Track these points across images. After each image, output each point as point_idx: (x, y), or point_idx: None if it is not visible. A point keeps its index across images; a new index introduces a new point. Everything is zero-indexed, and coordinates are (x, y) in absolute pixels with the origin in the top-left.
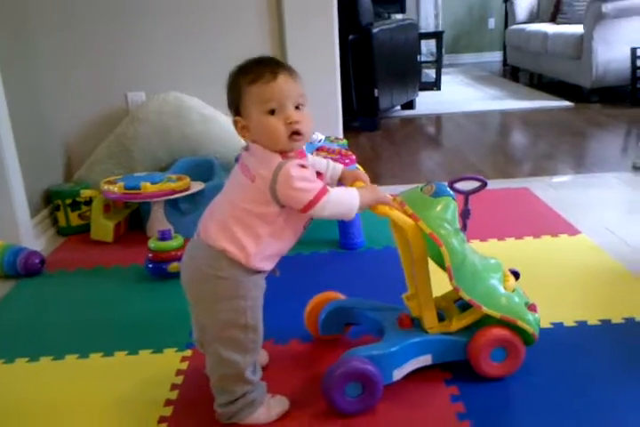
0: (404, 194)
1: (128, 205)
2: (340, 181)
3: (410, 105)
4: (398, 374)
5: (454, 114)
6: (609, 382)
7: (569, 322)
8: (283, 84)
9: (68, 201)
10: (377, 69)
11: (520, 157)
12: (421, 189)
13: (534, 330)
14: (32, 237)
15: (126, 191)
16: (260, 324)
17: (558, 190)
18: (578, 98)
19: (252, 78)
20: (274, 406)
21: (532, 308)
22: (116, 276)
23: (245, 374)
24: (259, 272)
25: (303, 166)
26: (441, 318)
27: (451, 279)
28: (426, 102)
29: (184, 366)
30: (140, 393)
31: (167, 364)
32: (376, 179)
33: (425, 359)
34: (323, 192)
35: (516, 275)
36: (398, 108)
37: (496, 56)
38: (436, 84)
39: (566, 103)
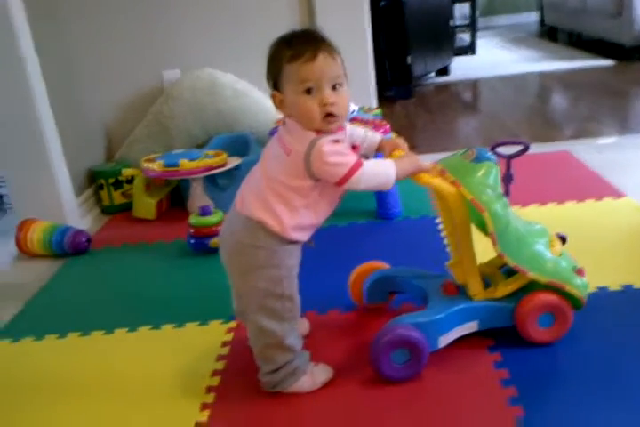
0: (445, 160)
1: (168, 183)
2: (379, 151)
3: (444, 71)
4: (444, 340)
5: (490, 78)
6: None
7: (615, 286)
8: (322, 64)
9: (111, 180)
10: (409, 36)
11: (560, 119)
12: (462, 155)
13: (582, 294)
14: (77, 216)
15: (165, 169)
16: (296, 293)
17: (601, 153)
18: (619, 56)
19: (291, 55)
20: (318, 374)
21: (579, 272)
22: (159, 251)
23: (285, 343)
24: (294, 242)
25: (337, 141)
26: (486, 285)
27: (494, 245)
28: (461, 68)
29: (229, 337)
30: (188, 365)
31: (213, 335)
32: (413, 148)
33: (471, 326)
34: (357, 166)
35: (563, 239)
36: (432, 74)
37: (533, 16)
38: (470, 49)
39: (607, 62)
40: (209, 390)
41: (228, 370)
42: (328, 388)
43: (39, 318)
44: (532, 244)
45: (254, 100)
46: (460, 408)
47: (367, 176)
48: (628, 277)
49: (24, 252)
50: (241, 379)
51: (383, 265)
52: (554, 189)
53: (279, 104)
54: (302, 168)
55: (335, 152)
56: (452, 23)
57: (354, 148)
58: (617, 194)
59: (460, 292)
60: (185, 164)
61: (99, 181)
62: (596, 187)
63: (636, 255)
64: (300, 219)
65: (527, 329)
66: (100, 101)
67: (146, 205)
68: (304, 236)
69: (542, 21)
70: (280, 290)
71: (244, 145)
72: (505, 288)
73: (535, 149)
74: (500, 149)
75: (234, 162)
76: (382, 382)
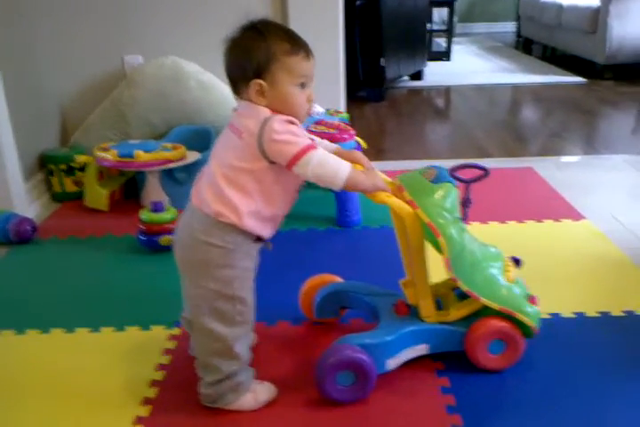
0: (404, 177)
1: (123, 173)
2: None
3: (418, 76)
4: (392, 363)
5: (463, 86)
6: (604, 377)
7: (567, 313)
8: (313, 62)
9: (62, 166)
10: (384, 37)
11: (527, 134)
12: (421, 172)
13: (534, 323)
14: (25, 202)
15: (120, 159)
16: (250, 296)
17: (564, 171)
18: (591, 74)
19: (288, 49)
20: (260, 392)
21: (532, 300)
22: (108, 246)
23: (233, 349)
24: (251, 240)
25: (291, 122)
26: (439, 306)
27: (448, 270)
28: (435, 73)
29: (171, 345)
30: (125, 373)
31: (154, 342)
32: (379, 153)
33: (421, 349)
34: (309, 147)
35: (517, 262)
36: (406, 78)
37: (510, 26)
38: (446, 54)
39: (579, 79)
40: (145, 402)
41: (167, 381)
42: (270, 407)
43: None
44: (487, 268)
45: (219, 93)
46: None
47: (317, 162)
48: (581, 304)
49: None
50: (180, 392)
51: (335, 278)
52: (514, 207)
53: (258, 93)
54: (255, 148)
55: (288, 131)
56: (429, 27)
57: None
58: (576, 216)
59: (412, 312)
60: (140, 155)
61: (49, 167)
62: (556, 207)
63: (591, 282)
64: (254, 205)
65: (477, 355)
66: (58, 82)
67: (98, 196)
68: (261, 228)
69: (519, 33)
70: (231, 291)
71: (204, 138)
72: (457, 312)
73: (499, 163)
74: (462, 172)
75: (193, 156)
76: (326, 403)
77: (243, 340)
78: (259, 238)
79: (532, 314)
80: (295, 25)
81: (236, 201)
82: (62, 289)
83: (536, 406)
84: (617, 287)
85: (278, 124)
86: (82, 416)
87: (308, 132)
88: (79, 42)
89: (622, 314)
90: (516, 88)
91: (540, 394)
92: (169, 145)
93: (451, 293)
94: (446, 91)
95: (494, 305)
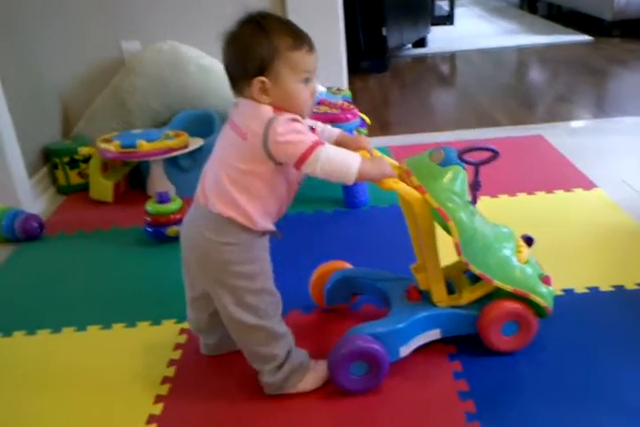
0: (411, 161)
1: (127, 163)
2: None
3: (421, 43)
4: (406, 350)
5: (467, 51)
6: (620, 357)
7: (580, 288)
8: (316, 56)
9: (66, 159)
10: (385, 6)
11: (535, 99)
12: (429, 155)
13: (548, 304)
14: (31, 197)
15: (122, 150)
16: (274, 288)
17: (574, 138)
18: (598, 31)
19: (291, 43)
20: (320, 370)
21: (546, 280)
22: (115, 239)
23: (276, 331)
24: (264, 234)
25: (295, 120)
26: (450, 289)
27: (459, 254)
28: (438, 39)
29: (182, 339)
30: (137, 370)
31: (165, 337)
32: (384, 127)
33: (434, 334)
34: (316, 144)
35: (530, 241)
36: (409, 46)
37: None
38: (449, 19)
39: (586, 37)
40: (158, 399)
41: (179, 377)
42: (282, 398)
43: None
44: (499, 250)
45: (220, 77)
46: (416, 421)
47: (325, 159)
48: (594, 278)
49: None
50: (192, 387)
51: (345, 265)
52: (524, 178)
53: (261, 91)
54: (260, 149)
55: (292, 130)
56: None
57: (312, 130)
58: (587, 184)
59: (424, 297)
60: (143, 145)
61: (53, 160)
62: (566, 176)
63: (604, 255)
64: (263, 205)
65: (490, 338)
66: (56, 73)
67: (102, 187)
68: (271, 224)
69: None
70: (259, 285)
71: (208, 123)
72: (470, 295)
73: (508, 132)
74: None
75: (195, 143)
76: (340, 392)
77: (281, 324)
78: (268, 231)
79: (546, 294)
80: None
81: (244, 204)
82: (71, 287)
83: (550, 390)
84: (629, 259)
85: (282, 124)
86: (96, 414)
87: (312, 115)
88: (74, 28)
89: (636, 287)
90: (521, 50)
91: (553, 376)
92: (171, 133)
93: (462, 275)
94: (450, 57)
95: (507, 287)
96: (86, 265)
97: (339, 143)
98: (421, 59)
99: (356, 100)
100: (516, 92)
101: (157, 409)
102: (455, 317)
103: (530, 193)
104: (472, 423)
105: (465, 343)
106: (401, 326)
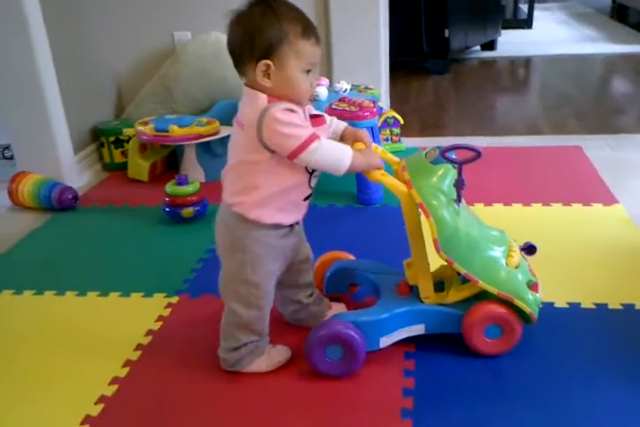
0: (410, 158)
1: (166, 146)
2: (342, 140)
3: (491, 46)
4: (386, 341)
5: (536, 56)
6: (581, 373)
7: (561, 303)
8: (320, 50)
9: (112, 139)
10: (449, 8)
11: (589, 110)
12: (426, 153)
13: (532, 310)
14: (75, 172)
15: (156, 133)
16: (265, 282)
17: (615, 151)
18: None
19: (300, 32)
20: (275, 354)
21: (533, 287)
22: (138, 216)
23: (251, 327)
24: (264, 227)
25: (291, 111)
26: (441, 288)
27: (438, 251)
28: (510, 42)
29: (166, 312)
30: (116, 336)
31: (152, 309)
32: (423, 128)
33: (418, 329)
34: (312, 138)
35: (532, 249)
36: (477, 48)
37: None
38: (527, 22)
39: None
40: (127, 363)
41: (152, 346)
42: (241, 376)
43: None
44: (487, 252)
45: None
46: (348, 415)
47: (320, 153)
48: (576, 294)
49: (16, 203)
50: (162, 357)
51: (347, 256)
52: (545, 189)
53: (264, 74)
54: (255, 139)
55: (289, 123)
56: None
57: (318, 116)
58: (609, 200)
59: (413, 293)
60: (175, 130)
61: (101, 139)
62: (590, 190)
63: (612, 272)
64: (262, 195)
65: (472, 339)
66: (112, 58)
67: (139, 167)
68: (274, 215)
69: None
70: (244, 275)
71: None
72: (456, 294)
73: (548, 141)
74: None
75: (226, 131)
76: (311, 376)
77: (261, 320)
78: (277, 226)
79: (531, 301)
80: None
81: (241, 193)
82: (85, 255)
83: (496, 395)
84: (626, 277)
85: (277, 114)
86: (68, 368)
87: (330, 111)
88: (132, 19)
89: (620, 307)
90: (592, 59)
91: (504, 382)
92: (204, 120)
93: (455, 275)
94: (517, 61)
95: (493, 289)
96: (105, 237)
97: (343, 134)
98: (489, 62)
99: (397, 99)
100: (572, 101)
101: (123, 372)
102: (440, 314)
103: (545, 204)
104: (405, 420)
105: (425, 343)
106: (383, 317)
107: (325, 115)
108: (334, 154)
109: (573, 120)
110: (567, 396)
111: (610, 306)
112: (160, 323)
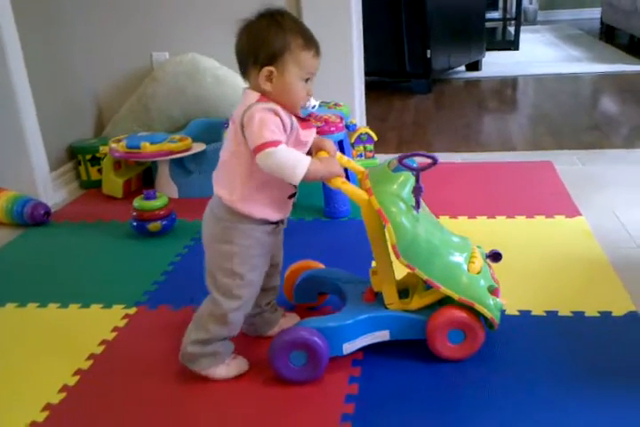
0: (373, 168)
1: (141, 163)
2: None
3: (475, 66)
4: (350, 347)
5: (521, 76)
6: (525, 380)
7: (512, 311)
8: (319, 61)
9: (88, 156)
10: (430, 29)
11: (564, 127)
12: (389, 162)
13: (493, 315)
14: (50, 189)
15: (128, 150)
16: (251, 275)
17: (585, 166)
18: None
19: (302, 44)
20: (234, 366)
21: (495, 292)
22: (109, 231)
23: (227, 317)
24: (251, 222)
25: (274, 112)
26: (406, 295)
27: (397, 257)
28: (496, 63)
29: (122, 323)
30: (68, 346)
31: (109, 320)
32: (400, 145)
33: (382, 335)
34: (271, 144)
35: (498, 256)
36: (462, 68)
37: (597, 13)
38: (514, 44)
39: None
40: (77, 372)
41: (104, 356)
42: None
43: None
44: (445, 257)
45: (234, 88)
46: (289, 420)
47: (275, 159)
48: (526, 303)
49: None
50: (112, 366)
51: (318, 265)
52: (511, 202)
53: (266, 78)
54: (240, 133)
55: (262, 121)
56: (499, 15)
57: (307, 120)
58: (572, 212)
59: (378, 299)
60: (146, 147)
61: (78, 157)
62: (555, 203)
63: (567, 281)
64: (247, 188)
65: (436, 344)
66: (92, 78)
67: (113, 184)
68: (257, 211)
69: (602, 19)
70: (230, 266)
71: (220, 131)
72: (420, 300)
73: (522, 157)
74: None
75: (198, 147)
76: (255, 382)
77: (239, 310)
78: (265, 221)
79: (492, 306)
80: (308, 15)
81: (229, 185)
82: (51, 268)
83: (436, 402)
84: (580, 287)
85: (260, 111)
86: (20, 377)
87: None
88: (111, 39)
89: (570, 314)
90: (575, 78)
91: (448, 389)
92: (177, 137)
93: (420, 282)
94: (501, 82)
95: (454, 295)
96: (73, 251)
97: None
98: (472, 82)
99: (378, 117)
100: (549, 118)
101: (73, 381)
102: (404, 320)
103: (510, 216)
104: (344, 423)
105: (374, 351)
106: (347, 323)
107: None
108: (288, 161)
109: (548, 137)
110: (510, 401)
111: (560, 313)
112: (115, 333)
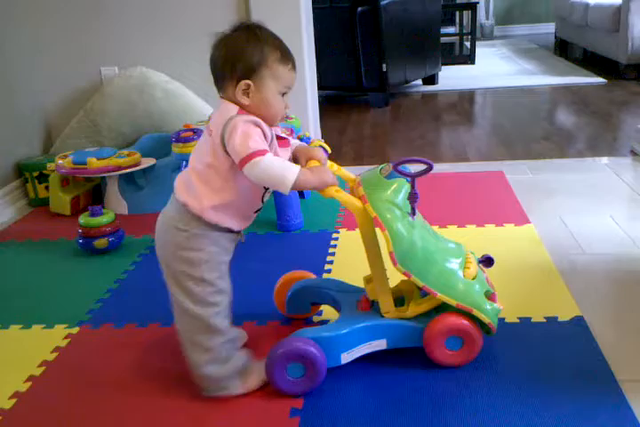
0: (365, 174)
1: (90, 179)
2: (294, 158)
3: (431, 80)
4: (347, 357)
5: (475, 90)
6: (461, 388)
7: None
8: (295, 75)
9: (35, 174)
10: (386, 43)
11: (516, 138)
12: (380, 169)
13: (491, 320)
14: None
15: (74, 166)
16: (220, 281)
17: (536, 175)
18: (614, 74)
19: (279, 57)
20: (261, 368)
21: (491, 297)
22: (55, 249)
23: (210, 324)
24: (220, 230)
25: (255, 124)
26: (402, 303)
27: (395, 264)
28: (451, 77)
29: (64, 343)
30: (6, 368)
31: (50, 340)
32: (357, 158)
33: (379, 344)
34: (258, 153)
35: (490, 261)
36: (419, 82)
37: (552, 28)
38: (470, 58)
39: (599, 80)
40: (15, 395)
41: (44, 378)
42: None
43: None
44: (441, 264)
45: (184, 102)
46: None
47: (262, 168)
48: (522, 309)
49: None
50: (53, 389)
51: (309, 275)
52: (462, 211)
53: (244, 92)
54: (219, 145)
55: (246, 133)
56: (454, 30)
57: (284, 139)
58: (522, 221)
59: (374, 308)
60: (93, 162)
61: (25, 174)
62: (505, 211)
63: (516, 288)
64: (219, 199)
65: (434, 351)
66: (39, 96)
67: (60, 201)
68: (225, 221)
69: (556, 34)
70: (199, 273)
71: (170, 146)
72: (416, 308)
73: (474, 167)
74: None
75: (146, 162)
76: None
77: (219, 316)
78: (229, 230)
79: (490, 311)
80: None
81: (200, 194)
82: None
83: (385, 414)
84: (526, 294)
85: (242, 124)
86: None
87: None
88: (59, 54)
89: (517, 320)
90: (528, 90)
91: (410, 396)
92: (125, 152)
93: (415, 289)
94: (455, 95)
95: (451, 301)
96: (15, 270)
97: (295, 153)
98: (429, 95)
99: (335, 131)
100: (502, 130)
101: (9, 404)
102: (401, 328)
103: (460, 226)
104: (293, 418)
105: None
106: (343, 332)
107: (290, 138)
108: (276, 171)
109: (501, 148)
110: (475, 406)
111: (507, 320)
112: (56, 354)
